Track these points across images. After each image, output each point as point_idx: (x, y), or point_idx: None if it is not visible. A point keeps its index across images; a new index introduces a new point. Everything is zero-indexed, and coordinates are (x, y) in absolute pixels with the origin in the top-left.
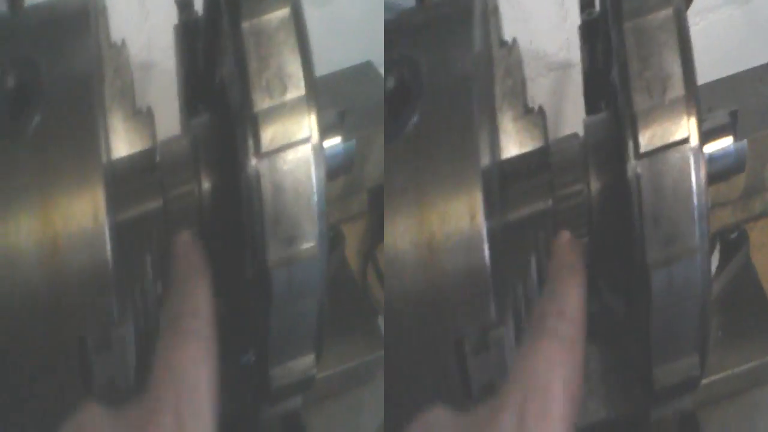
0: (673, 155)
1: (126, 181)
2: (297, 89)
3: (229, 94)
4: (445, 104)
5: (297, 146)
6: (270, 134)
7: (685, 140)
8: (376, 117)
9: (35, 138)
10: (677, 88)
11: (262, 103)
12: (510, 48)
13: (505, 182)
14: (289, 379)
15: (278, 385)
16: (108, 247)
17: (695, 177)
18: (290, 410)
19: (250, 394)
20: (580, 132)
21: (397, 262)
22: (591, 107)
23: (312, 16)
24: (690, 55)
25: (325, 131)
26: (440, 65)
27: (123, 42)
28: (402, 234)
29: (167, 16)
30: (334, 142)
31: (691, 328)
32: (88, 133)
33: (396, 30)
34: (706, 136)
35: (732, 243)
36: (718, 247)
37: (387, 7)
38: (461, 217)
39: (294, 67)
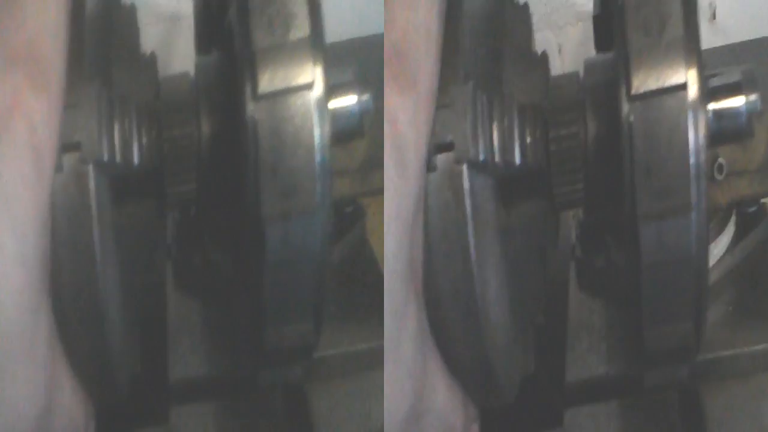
0: (669, 102)
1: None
2: (301, 29)
3: (234, 34)
4: None
5: (299, 91)
6: (268, 75)
7: (682, 86)
8: None
9: None
10: (676, 28)
11: (262, 41)
12: None
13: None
14: (285, 343)
15: (273, 348)
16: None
17: (693, 129)
18: (290, 380)
19: (246, 355)
20: None
21: None
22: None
23: None
24: None
25: (335, 86)
26: None
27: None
28: None
29: None
30: (346, 99)
31: (685, 292)
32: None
33: None
34: (714, 92)
35: (750, 216)
36: (733, 219)
37: None
38: None
39: (299, 7)
